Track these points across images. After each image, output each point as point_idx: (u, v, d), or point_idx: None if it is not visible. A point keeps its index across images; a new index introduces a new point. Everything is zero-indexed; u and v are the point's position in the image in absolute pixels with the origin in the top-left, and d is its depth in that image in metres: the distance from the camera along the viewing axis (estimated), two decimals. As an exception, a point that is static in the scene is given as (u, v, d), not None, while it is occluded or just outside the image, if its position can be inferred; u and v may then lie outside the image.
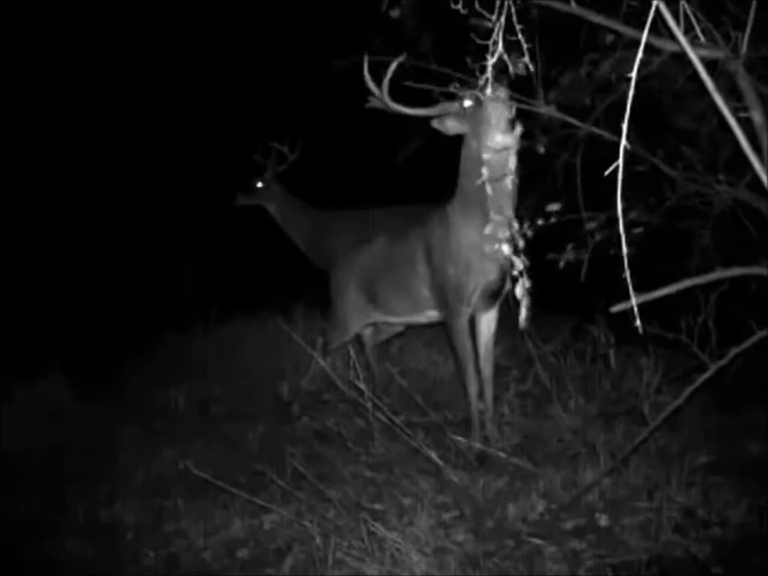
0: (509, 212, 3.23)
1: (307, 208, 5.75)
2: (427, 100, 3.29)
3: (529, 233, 3.14)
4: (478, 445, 3.31)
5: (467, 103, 3.15)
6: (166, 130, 8.00)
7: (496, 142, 3.10)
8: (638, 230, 3.24)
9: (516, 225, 3.20)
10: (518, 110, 3.12)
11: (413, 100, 3.24)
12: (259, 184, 5.75)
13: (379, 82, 3.15)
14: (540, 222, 3.11)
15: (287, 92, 7.91)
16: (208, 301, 5.34)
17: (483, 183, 3.17)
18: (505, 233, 3.25)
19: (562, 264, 3.19)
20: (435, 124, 3.20)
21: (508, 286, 3.45)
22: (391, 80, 3.12)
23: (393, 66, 3.10)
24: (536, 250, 3.31)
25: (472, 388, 3.47)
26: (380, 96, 3.16)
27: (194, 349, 5.14)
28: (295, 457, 3.37)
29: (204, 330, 5.32)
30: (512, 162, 3.17)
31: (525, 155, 3.29)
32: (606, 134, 3.00)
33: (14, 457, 3.87)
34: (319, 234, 5.53)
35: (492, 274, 3.36)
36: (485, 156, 3.14)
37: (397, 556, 2.57)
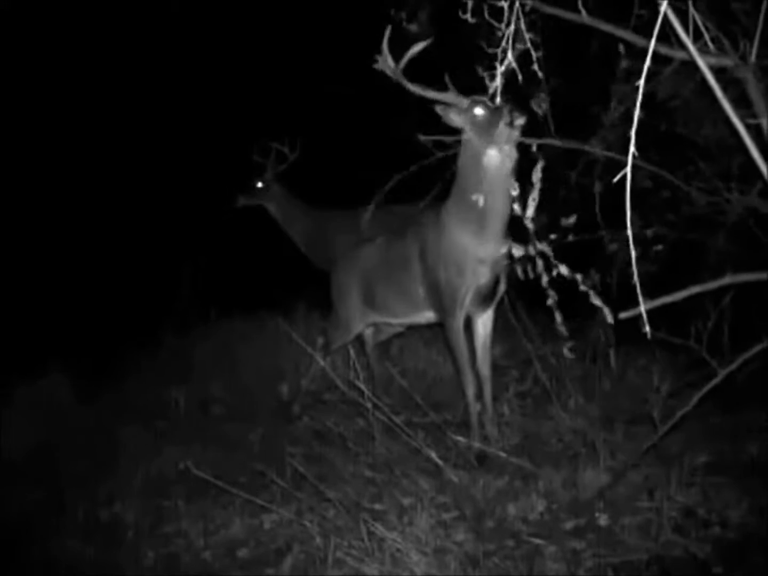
0: (505, 216, 3.24)
1: (307, 207, 5.75)
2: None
3: (548, 250, 3.15)
4: (477, 445, 3.31)
5: (478, 110, 3.13)
6: (166, 131, 8.00)
7: (491, 157, 3.13)
8: (659, 247, 3.25)
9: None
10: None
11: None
12: (259, 185, 5.74)
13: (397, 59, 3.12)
14: (553, 237, 3.12)
15: (286, 93, 7.92)
16: (208, 301, 5.34)
17: (479, 184, 3.18)
18: (501, 237, 3.27)
19: (585, 284, 3.20)
20: (439, 109, 3.18)
21: (503, 287, 3.46)
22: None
23: (419, 47, 3.09)
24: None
25: (470, 389, 3.46)
26: (394, 71, 3.11)
27: (194, 349, 5.14)
28: (295, 457, 3.37)
29: (204, 330, 5.32)
30: (509, 166, 3.17)
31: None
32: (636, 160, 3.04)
33: (14, 457, 3.88)
34: (319, 234, 5.52)
35: (484, 277, 3.36)
36: (484, 160, 3.15)
37: (397, 556, 2.57)
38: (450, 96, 3.18)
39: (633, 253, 1.66)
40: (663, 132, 3.29)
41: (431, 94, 3.17)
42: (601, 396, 3.69)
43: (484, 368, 3.56)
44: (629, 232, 1.65)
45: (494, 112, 3.08)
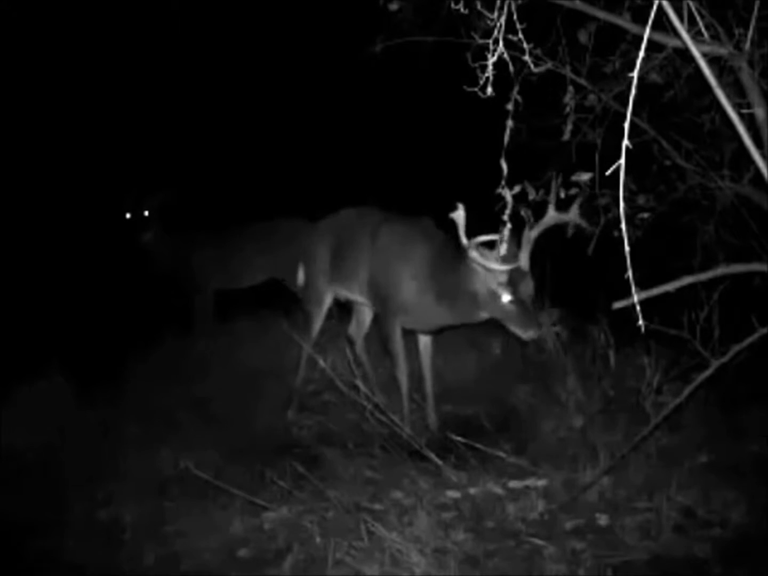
0: None
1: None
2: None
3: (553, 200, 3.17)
4: (408, 431, 3.38)
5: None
6: (167, 130, 8.00)
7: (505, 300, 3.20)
8: (646, 215, 3.25)
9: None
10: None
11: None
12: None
13: None
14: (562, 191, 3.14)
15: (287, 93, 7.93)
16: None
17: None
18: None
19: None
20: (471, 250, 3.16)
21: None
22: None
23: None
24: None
25: (404, 385, 3.75)
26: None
27: (194, 349, 5.14)
28: (295, 457, 3.37)
29: (204, 330, 5.31)
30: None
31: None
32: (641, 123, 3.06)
33: (14, 457, 3.87)
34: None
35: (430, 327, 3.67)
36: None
37: (397, 556, 2.57)
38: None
39: (627, 247, 1.65)
40: (656, 117, 3.29)
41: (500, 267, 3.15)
42: (601, 396, 3.70)
43: (426, 369, 3.85)
44: (623, 228, 1.64)
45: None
